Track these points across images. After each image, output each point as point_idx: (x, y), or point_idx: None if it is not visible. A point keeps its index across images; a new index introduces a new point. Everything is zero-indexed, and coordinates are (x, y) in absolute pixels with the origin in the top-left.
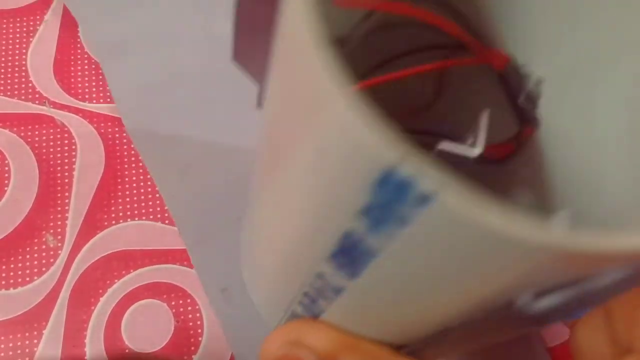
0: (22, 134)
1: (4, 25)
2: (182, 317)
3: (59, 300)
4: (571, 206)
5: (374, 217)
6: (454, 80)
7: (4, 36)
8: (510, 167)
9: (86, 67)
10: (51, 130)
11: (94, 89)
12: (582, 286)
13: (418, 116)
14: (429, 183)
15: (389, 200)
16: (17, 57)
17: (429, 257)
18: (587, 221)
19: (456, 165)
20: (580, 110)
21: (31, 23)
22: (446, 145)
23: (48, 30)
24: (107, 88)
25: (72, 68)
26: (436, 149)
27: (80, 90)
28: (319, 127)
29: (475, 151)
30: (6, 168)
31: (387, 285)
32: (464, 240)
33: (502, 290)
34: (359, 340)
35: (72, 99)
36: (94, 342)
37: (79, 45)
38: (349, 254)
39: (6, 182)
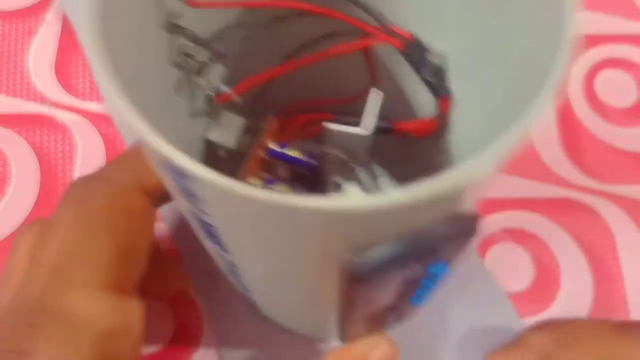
0: (24, 134)
1: (5, 25)
2: (183, 316)
3: None
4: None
5: (184, 194)
6: (384, 66)
7: (5, 36)
8: (440, 140)
9: (87, 67)
10: (52, 130)
11: (94, 89)
12: (407, 240)
13: (357, 101)
14: (178, 163)
15: (175, 177)
16: (18, 57)
17: (246, 227)
18: None
19: (395, 144)
20: (476, 82)
21: (32, 23)
22: (333, 126)
23: (49, 30)
24: None
25: (73, 68)
26: (325, 128)
27: (80, 90)
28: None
29: (365, 131)
30: (7, 168)
31: (250, 256)
32: (232, 204)
33: (318, 248)
34: None
35: (72, 98)
36: None
37: (79, 46)
38: (205, 228)
39: (7, 182)
